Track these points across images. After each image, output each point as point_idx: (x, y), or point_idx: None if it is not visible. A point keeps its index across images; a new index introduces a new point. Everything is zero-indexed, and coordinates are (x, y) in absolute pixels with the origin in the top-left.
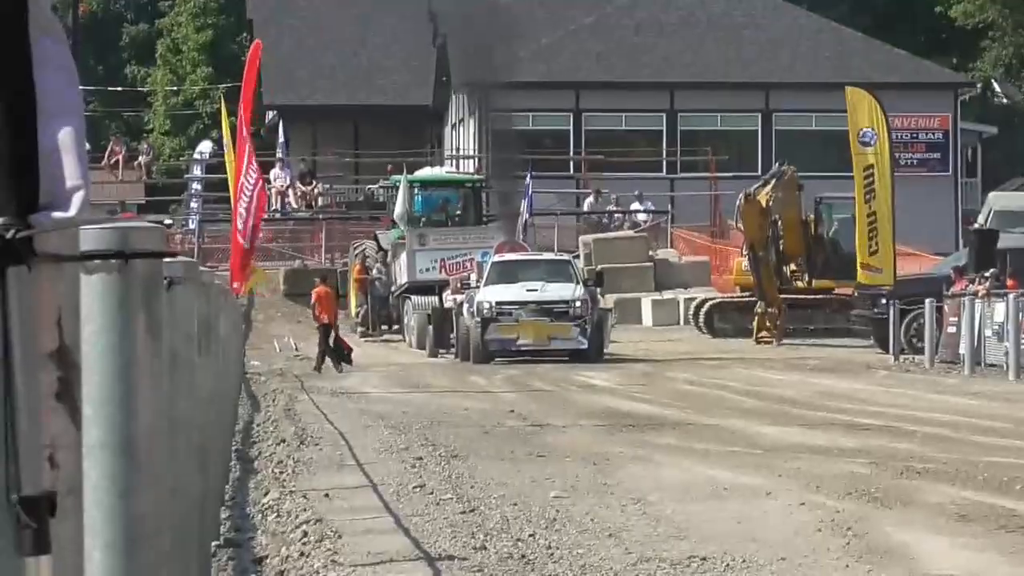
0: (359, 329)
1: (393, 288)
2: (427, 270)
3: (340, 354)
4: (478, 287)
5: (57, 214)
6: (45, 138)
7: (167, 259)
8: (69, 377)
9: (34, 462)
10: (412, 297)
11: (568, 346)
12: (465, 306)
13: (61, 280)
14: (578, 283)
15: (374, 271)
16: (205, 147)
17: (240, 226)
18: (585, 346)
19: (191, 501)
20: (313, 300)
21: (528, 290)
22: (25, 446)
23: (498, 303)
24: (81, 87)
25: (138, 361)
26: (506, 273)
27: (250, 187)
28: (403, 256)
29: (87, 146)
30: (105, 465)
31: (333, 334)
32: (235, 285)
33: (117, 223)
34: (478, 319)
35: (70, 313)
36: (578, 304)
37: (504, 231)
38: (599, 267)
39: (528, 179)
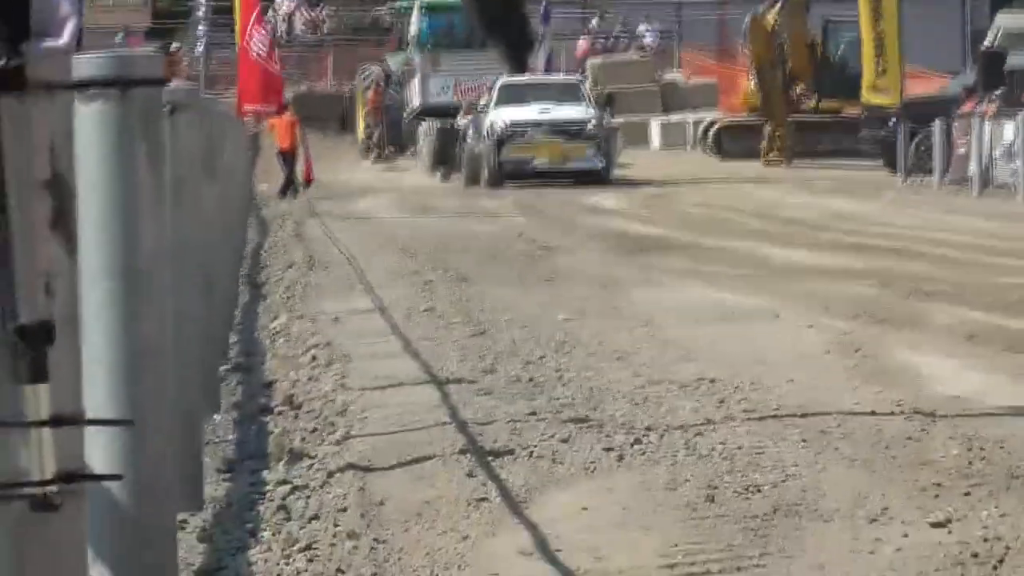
0: (372, 153)
1: (406, 112)
2: (440, 93)
3: (293, 182)
4: (486, 110)
5: (49, 42)
6: None
7: (168, 86)
8: (64, 206)
9: (30, 291)
10: (425, 120)
11: (584, 166)
12: (471, 129)
13: (54, 109)
14: (589, 104)
15: (386, 97)
16: None
17: (264, 52)
18: (601, 166)
19: (196, 325)
20: (268, 128)
21: (541, 111)
22: (21, 275)
23: (512, 123)
24: None
25: (139, 189)
26: (515, 95)
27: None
28: (416, 79)
29: None
30: (106, 291)
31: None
32: (258, 108)
33: (115, 51)
34: (491, 140)
35: (64, 142)
36: (591, 124)
37: (507, 62)
38: (606, 90)
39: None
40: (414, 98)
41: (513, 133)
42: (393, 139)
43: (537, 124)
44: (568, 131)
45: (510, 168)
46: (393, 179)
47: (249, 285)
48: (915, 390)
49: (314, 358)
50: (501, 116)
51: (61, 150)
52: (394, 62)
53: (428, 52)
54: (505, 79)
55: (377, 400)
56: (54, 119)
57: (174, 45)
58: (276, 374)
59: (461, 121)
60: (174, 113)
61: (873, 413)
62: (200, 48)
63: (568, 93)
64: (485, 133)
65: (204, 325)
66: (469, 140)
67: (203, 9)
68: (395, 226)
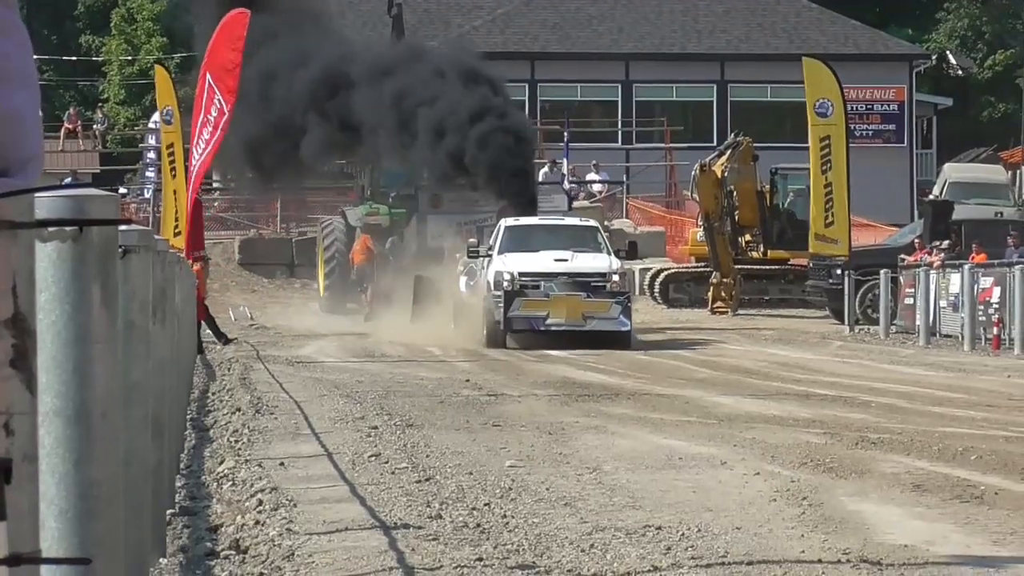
0: (365, 311)
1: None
2: (441, 236)
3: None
4: (488, 256)
5: (11, 181)
6: None
7: (122, 227)
8: (24, 344)
9: None
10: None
11: (607, 327)
12: (464, 279)
13: (16, 248)
14: (610, 253)
15: (388, 244)
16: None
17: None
18: (627, 327)
19: (146, 469)
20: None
21: (556, 259)
22: None
23: (522, 274)
24: (35, 56)
25: (93, 329)
26: (522, 239)
27: (197, 154)
28: (413, 221)
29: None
30: (59, 433)
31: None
32: (195, 253)
33: (71, 191)
34: (498, 293)
35: (25, 281)
36: (616, 278)
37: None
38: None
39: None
40: (411, 243)
41: (524, 285)
42: (390, 292)
43: (553, 275)
44: (590, 285)
45: (521, 326)
46: (341, 325)
47: (196, 429)
48: (862, 539)
49: (260, 502)
50: (508, 265)
51: (23, 289)
52: (353, 214)
53: (428, 191)
54: (510, 220)
55: (324, 545)
56: (16, 258)
57: (121, 190)
58: (222, 518)
59: (458, 268)
60: (126, 255)
61: (820, 561)
62: (148, 192)
63: (584, 239)
64: (488, 284)
65: (153, 467)
66: (463, 290)
67: (152, 155)
68: (341, 371)
